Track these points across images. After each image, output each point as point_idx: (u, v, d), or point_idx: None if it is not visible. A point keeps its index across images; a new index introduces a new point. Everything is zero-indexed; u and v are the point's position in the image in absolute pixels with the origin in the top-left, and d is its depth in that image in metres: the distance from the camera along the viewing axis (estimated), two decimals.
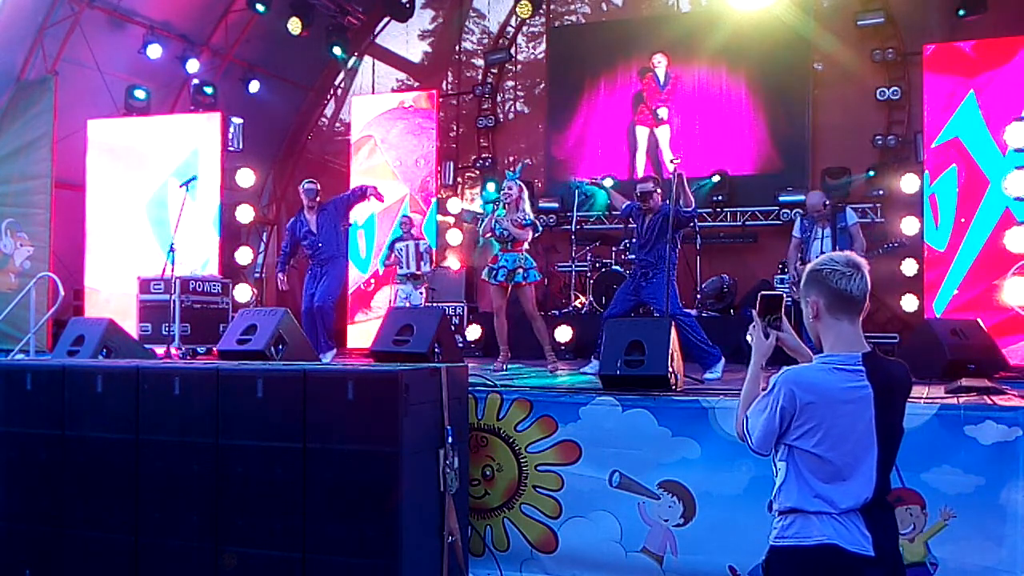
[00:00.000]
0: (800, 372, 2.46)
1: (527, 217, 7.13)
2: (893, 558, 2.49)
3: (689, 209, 6.67)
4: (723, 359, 6.66)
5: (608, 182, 11.94)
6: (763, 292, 2.67)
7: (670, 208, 6.60)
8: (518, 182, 7.18)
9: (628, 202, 7.28)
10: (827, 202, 7.64)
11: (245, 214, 11.47)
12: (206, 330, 8.82)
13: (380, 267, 10.06)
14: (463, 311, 10.64)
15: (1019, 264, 8.01)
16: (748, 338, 2.70)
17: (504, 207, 7.14)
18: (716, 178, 11.47)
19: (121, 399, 4.72)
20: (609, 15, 13.62)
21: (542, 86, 13.53)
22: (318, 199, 8.19)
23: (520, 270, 7.06)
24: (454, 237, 12.30)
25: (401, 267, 9.23)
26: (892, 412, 2.47)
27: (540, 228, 7.58)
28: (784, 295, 2.68)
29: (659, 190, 6.93)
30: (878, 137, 11.14)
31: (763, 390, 2.56)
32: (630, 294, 6.92)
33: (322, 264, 8.13)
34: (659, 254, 6.69)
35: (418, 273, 9.15)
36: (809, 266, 2.53)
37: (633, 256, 6.91)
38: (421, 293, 9.30)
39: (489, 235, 7.30)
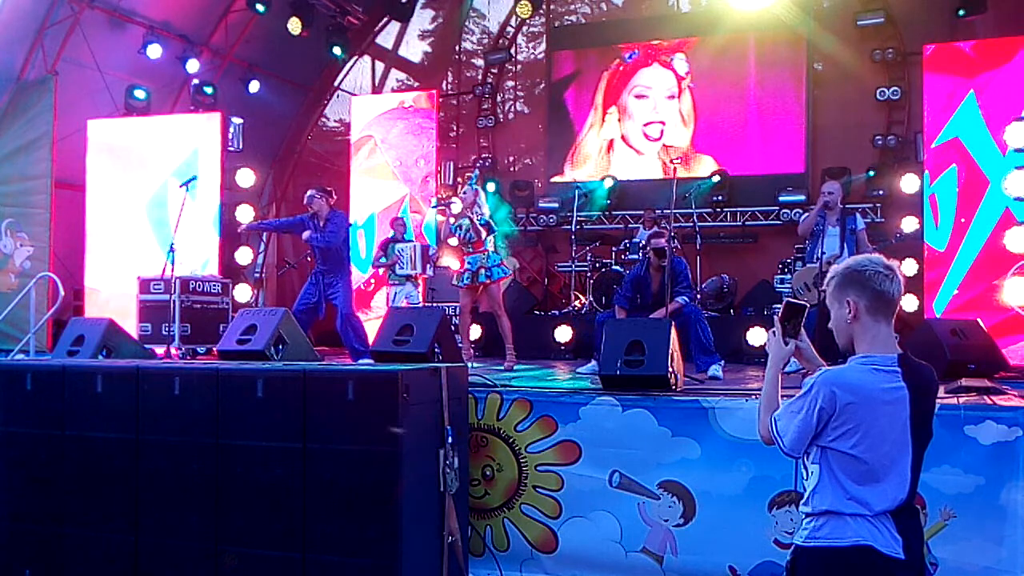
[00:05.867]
0: (840, 373, 2.46)
1: (483, 217, 7.34)
2: (920, 562, 2.50)
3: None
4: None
5: (608, 182, 12.05)
6: (788, 299, 2.66)
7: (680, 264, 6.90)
8: (474, 187, 7.53)
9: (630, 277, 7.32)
10: (842, 194, 7.57)
11: (245, 214, 11.44)
12: (206, 330, 8.80)
13: (370, 268, 10.24)
14: None
15: (1019, 264, 7.99)
16: (765, 343, 2.70)
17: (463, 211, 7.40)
18: (716, 178, 11.49)
19: (121, 399, 4.72)
20: (609, 15, 13.63)
21: (542, 86, 13.54)
22: (314, 206, 8.01)
23: (483, 270, 7.23)
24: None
25: (402, 267, 9.32)
26: (925, 413, 2.48)
27: (495, 228, 7.72)
28: (807, 305, 2.66)
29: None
30: (878, 137, 11.15)
31: (781, 392, 2.56)
32: None
33: (324, 273, 7.90)
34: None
35: (414, 275, 9.25)
36: (845, 266, 2.51)
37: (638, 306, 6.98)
38: (420, 292, 9.42)
39: (449, 237, 7.49)
